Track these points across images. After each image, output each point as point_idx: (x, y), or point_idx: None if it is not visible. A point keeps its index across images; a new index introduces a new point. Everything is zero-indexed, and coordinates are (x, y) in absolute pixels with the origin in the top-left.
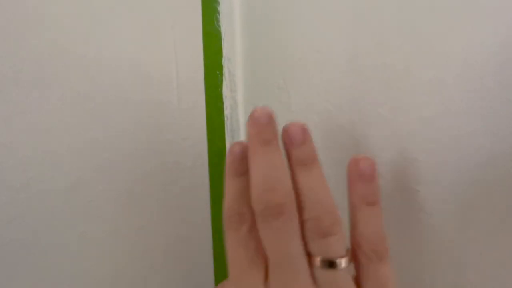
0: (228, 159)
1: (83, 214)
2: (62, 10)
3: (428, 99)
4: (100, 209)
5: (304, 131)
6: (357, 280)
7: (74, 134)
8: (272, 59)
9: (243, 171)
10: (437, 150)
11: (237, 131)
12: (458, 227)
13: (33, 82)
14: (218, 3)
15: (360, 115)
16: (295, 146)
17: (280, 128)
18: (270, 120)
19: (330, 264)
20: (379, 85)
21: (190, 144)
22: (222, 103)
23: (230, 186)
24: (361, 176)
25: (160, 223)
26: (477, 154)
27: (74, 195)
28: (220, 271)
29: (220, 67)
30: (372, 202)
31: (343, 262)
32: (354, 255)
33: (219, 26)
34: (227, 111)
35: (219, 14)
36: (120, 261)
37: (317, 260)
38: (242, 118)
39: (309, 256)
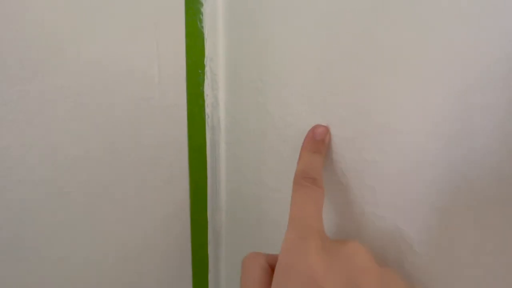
0: (308, 135)
1: (60, 204)
2: (44, 7)
3: (385, 107)
4: (78, 201)
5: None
6: None
7: (53, 126)
8: (252, 61)
9: (317, 150)
10: (393, 152)
11: (217, 128)
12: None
13: (14, 76)
14: (201, 4)
15: (327, 117)
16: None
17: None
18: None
19: None
20: (344, 91)
21: (171, 140)
22: (204, 100)
23: (306, 157)
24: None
25: (138, 216)
26: (435, 157)
27: (51, 186)
28: (198, 263)
29: (202, 66)
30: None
31: None
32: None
33: (202, 27)
34: (208, 109)
35: (202, 15)
36: (96, 252)
37: None
38: (222, 116)
39: None
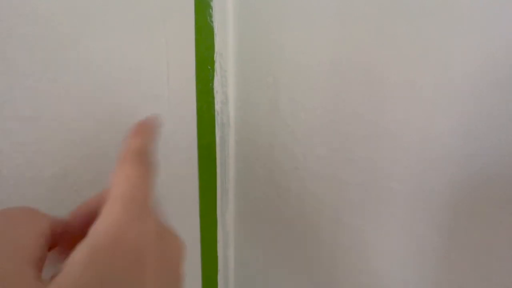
0: (145, 122)
1: (69, 203)
2: (54, 3)
3: (403, 102)
4: (86, 199)
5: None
6: None
7: (64, 124)
8: (264, 57)
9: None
10: (410, 148)
11: (227, 125)
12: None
13: (23, 71)
14: None
15: (343, 114)
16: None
17: None
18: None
19: None
20: (360, 87)
21: (180, 138)
22: (213, 97)
23: (142, 137)
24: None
25: None
26: (450, 154)
27: (61, 183)
28: (207, 264)
29: (212, 62)
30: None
31: None
32: None
33: (212, 22)
34: (217, 106)
35: (212, 10)
36: None
37: None
38: (232, 113)
39: None
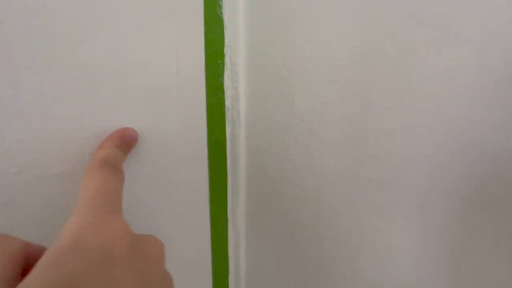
0: (119, 132)
1: (75, 202)
2: None
3: (436, 90)
4: None
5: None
6: None
7: (71, 120)
8: (276, 49)
9: (122, 148)
10: (446, 143)
11: (238, 122)
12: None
13: (28, 66)
14: None
15: (365, 107)
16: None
17: None
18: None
19: None
20: (385, 76)
21: (189, 134)
22: (223, 93)
23: (110, 148)
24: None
25: (156, 215)
26: (486, 146)
27: (69, 182)
28: (218, 264)
29: (221, 56)
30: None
31: None
32: None
33: (222, 13)
34: (228, 102)
35: (221, 1)
36: None
37: None
38: (243, 109)
39: None
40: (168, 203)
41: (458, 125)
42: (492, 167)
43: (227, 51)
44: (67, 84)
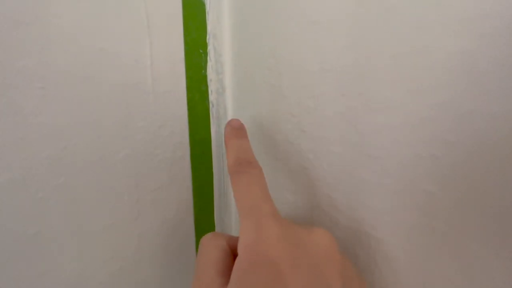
0: (227, 128)
1: (33, 212)
2: None
3: (449, 79)
4: (56, 208)
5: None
6: None
7: (21, 118)
8: (264, 35)
9: (242, 136)
10: (459, 142)
11: (223, 119)
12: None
13: None
14: None
15: (365, 100)
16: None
17: None
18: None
19: None
20: (387, 63)
21: (168, 133)
22: (207, 86)
23: (234, 144)
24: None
25: (134, 223)
26: (508, 146)
27: (21, 190)
28: None
29: (204, 45)
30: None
31: None
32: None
33: None
34: (212, 97)
35: None
36: (86, 265)
37: None
38: (229, 104)
39: None
40: (146, 209)
41: (474, 120)
42: None
43: (210, 39)
44: (16, 74)
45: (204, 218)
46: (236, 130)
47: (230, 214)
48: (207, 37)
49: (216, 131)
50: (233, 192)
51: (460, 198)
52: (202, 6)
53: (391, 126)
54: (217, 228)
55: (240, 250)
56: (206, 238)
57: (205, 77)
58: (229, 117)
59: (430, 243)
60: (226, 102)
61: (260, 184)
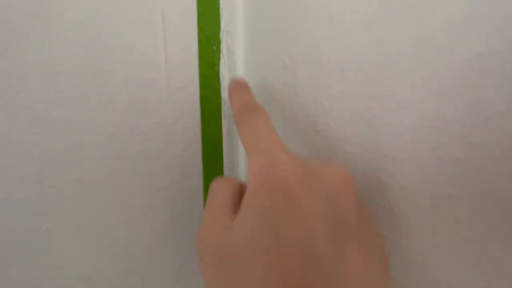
0: (232, 84)
1: (46, 208)
2: None
3: (476, 80)
4: (69, 203)
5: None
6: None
7: (36, 112)
8: (279, 32)
9: (246, 89)
10: (482, 145)
11: None
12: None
13: None
14: None
15: (383, 100)
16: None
17: None
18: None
19: None
20: (409, 62)
21: (181, 130)
22: (219, 83)
23: (238, 95)
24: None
25: (145, 221)
26: None
27: (35, 185)
28: None
29: (217, 41)
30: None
31: None
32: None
33: None
34: (224, 94)
35: None
36: (96, 261)
37: None
38: None
39: None
40: (157, 206)
41: (502, 122)
42: None
43: (223, 36)
44: (29, 67)
45: None
46: (240, 85)
47: None
48: (221, 33)
49: (228, 128)
50: (240, 135)
51: (483, 202)
52: (216, 2)
53: (411, 127)
54: None
55: (250, 175)
56: (218, 179)
57: (217, 74)
58: None
59: (450, 248)
60: None
61: (266, 120)
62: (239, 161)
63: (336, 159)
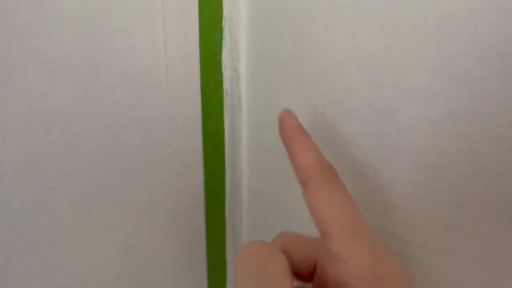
0: (290, 120)
1: (42, 203)
2: None
3: (504, 66)
4: (65, 199)
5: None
6: None
7: (29, 103)
8: (286, 20)
9: (306, 133)
10: (507, 140)
11: (238, 108)
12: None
13: None
14: None
15: (397, 90)
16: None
17: None
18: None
19: None
20: (426, 48)
21: (181, 123)
22: (221, 74)
23: (308, 142)
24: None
25: (143, 217)
26: None
27: (29, 179)
28: (214, 270)
29: (219, 29)
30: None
31: None
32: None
33: None
34: (226, 85)
35: None
36: (96, 258)
37: None
38: (244, 93)
39: None
40: (157, 202)
41: None
42: None
43: (225, 23)
44: (22, 55)
45: (214, 213)
46: (298, 124)
47: (241, 210)
48: (223, 20)
49: (230, 122)
50: (320, 201)
51: (506, 199)
52: None
53: (430, 119)
54: (227, 224)
55: (351, 273)
56: (250, 246)
57: (219, 63)
58: (244, 107)
59: (469, 247)
60: (241, 91)
61: (351, 197)
62: (242, 157)
63: (348, 154)
